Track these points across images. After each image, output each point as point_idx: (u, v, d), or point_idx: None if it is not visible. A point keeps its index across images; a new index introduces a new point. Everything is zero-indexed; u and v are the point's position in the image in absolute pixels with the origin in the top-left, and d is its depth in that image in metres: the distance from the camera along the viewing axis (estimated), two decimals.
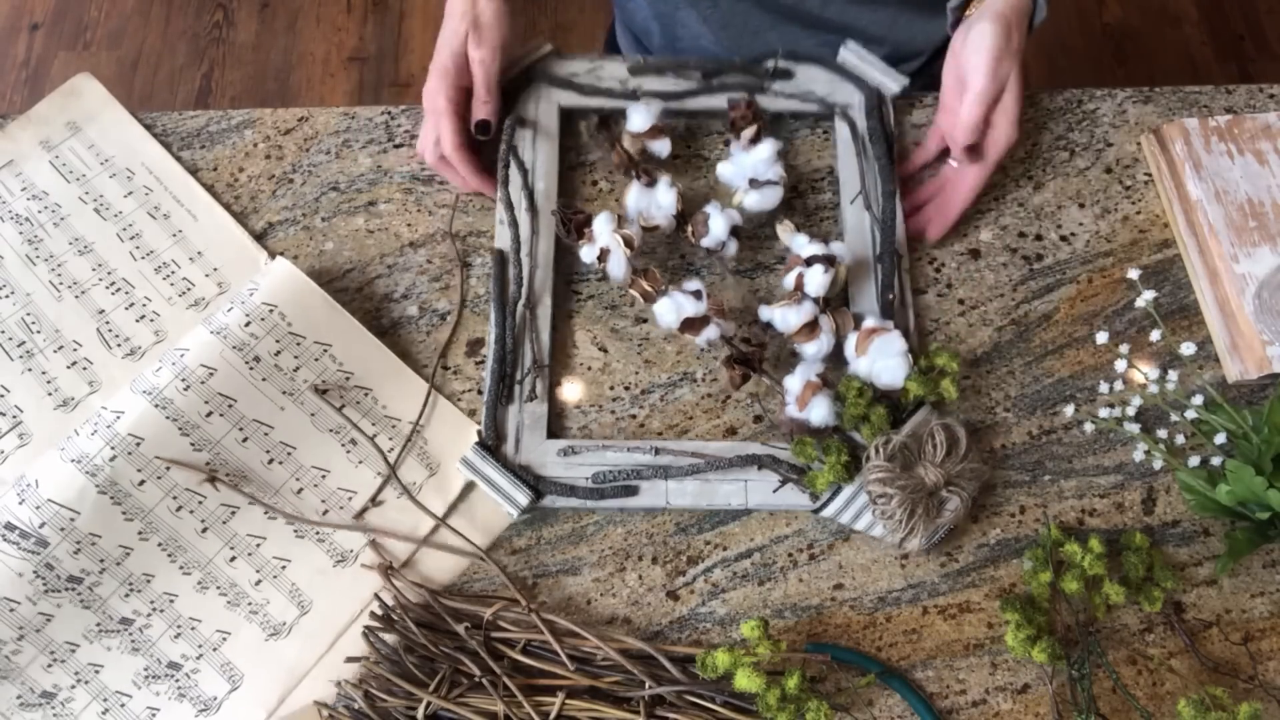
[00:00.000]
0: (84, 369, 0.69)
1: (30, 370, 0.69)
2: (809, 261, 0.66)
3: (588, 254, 0.68)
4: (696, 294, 0.66)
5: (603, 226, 0.68)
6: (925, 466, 0.63)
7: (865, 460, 0.63)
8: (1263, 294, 0.71)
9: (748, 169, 0.73)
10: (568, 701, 0.59)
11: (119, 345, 0.70)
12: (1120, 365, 0.72)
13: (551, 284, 0.71)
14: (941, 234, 0.75)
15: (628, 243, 0.67)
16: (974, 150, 0.72)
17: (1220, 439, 0.68)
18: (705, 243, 0.70)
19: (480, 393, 0.70)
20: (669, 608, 0.65)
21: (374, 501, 0.66)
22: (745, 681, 0.56)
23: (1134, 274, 0.74)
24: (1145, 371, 0.72)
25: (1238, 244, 0.73)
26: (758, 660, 0.57)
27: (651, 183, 0.71)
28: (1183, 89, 0.83)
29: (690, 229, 0.71)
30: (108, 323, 0.70)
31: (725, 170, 0.74)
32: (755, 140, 0.73)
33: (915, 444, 0.64)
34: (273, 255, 0.72)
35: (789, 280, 0.68)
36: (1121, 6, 1.98)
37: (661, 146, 0.74)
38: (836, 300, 0.69)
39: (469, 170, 0.73)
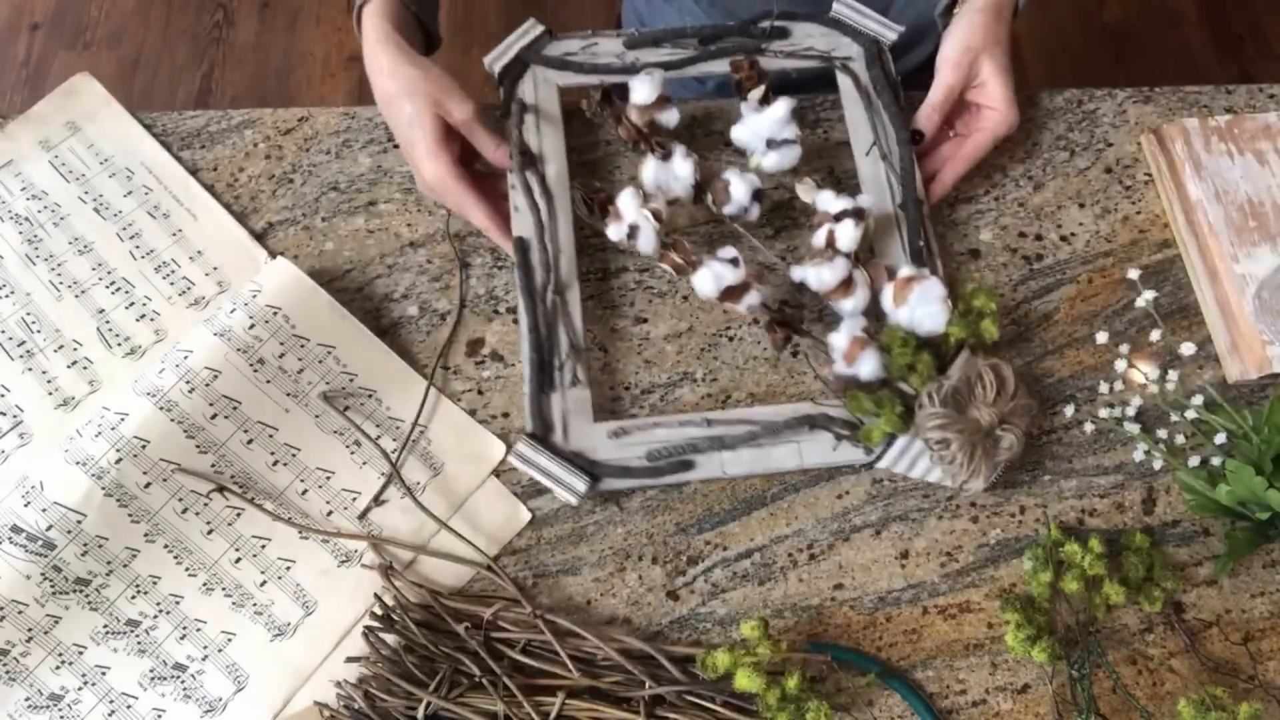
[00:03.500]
0: (84, 368, 0.69)
1: (30, 370, 0.69)
2: (838, 217, 0.67)
3: (615, 232, 0.68)
4: (734, 261, 0.65)
5: (628, 202, 0.67)
6: (978, 408, 0.64)
7: (919, 408, 0.64)
8: (1263, 294, 0.71)
9: (763, 130, 0.72)
10: (568, 701, 0.59)
11: (119, 345, 0.70)
12: (1120, 365, 0.72)
13: (576, 266, 0.70)
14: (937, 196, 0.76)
15: (656, 216, 0.67)
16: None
17: (1220, 439, 0.68)
18: (728, 210, 0.70)
19: (481, 393, 0.70)
20: (669, 608, 0.65)
21: (377, 501, 0.66)
22: (745, 681, 0.56)
23: (1134, 274, 0.74)
24: (1145, 371, 0.72)
25: (1238, 244, 0.73)
26: (758, 660, 0.57)
27: (666, 155, 0.70)
28: (1183, 89, 0.83)
29: (710, 197, 0.71)
30: (108, 322, 0.70)
31: (739, 133, 0.73)
32: (765, 101, 0.72)
33: (965, 387, 0.65)
34: (273, 255, 0.72)
35: (819, 238, 0.68)
36: (1121, 6, 1.97)
37: (669, 117, 0.73)
38: (864, 254, 0.69)
39: (502, 234, 0.71)
